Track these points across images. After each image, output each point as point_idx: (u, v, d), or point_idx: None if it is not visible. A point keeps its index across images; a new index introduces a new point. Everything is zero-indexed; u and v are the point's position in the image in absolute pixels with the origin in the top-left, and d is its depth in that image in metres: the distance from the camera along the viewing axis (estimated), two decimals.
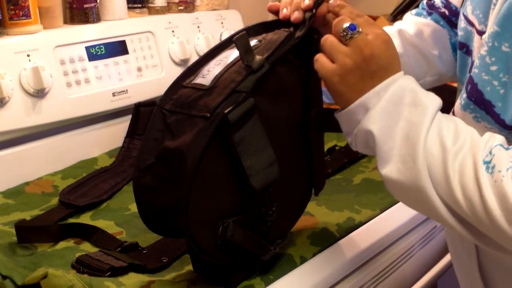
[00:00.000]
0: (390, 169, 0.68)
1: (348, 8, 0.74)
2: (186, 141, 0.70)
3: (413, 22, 0.98)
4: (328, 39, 0.71)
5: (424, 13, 0.98)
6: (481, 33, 0.75)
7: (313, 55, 0.73)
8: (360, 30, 0.69)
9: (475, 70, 0.71)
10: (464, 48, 0.82)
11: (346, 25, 0.69)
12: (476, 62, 0.71)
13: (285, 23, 0.78)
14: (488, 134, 0.66)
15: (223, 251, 0.74)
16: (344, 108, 0.71)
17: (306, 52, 0.78)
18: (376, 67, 0.69)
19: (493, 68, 0.69)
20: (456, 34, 0.92)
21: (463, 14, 0.81)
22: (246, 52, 0.71)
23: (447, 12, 0.96)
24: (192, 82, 0.74)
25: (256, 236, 0.77)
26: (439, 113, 0.68)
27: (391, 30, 0.96)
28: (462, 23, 0.82)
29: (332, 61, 0.70)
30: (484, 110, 0.71)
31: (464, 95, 0.72)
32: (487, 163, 0.63)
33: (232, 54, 0.75)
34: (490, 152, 0.64)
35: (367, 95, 0.68)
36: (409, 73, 0.90)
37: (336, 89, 0.71)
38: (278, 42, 0.75)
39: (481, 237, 0.66)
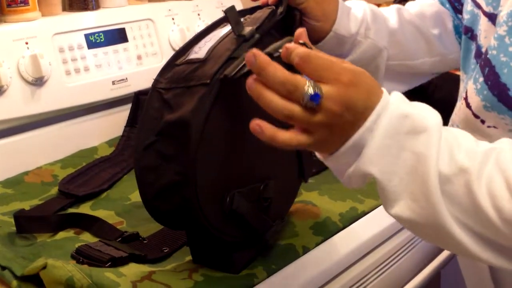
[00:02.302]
0: (400, 209, 0.60)
1: (311, 64, 0.58)
2: (188, 110, 0.69)
3: (418, 3, 0.97)
4: (291, 112, 0.57)
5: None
6: (488, 14, 0.73)
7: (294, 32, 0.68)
8: (321, 91, 0.57)
9: (493, 52, 0.67)
10: (469, 33, 0.79)
11: (307, 96, 0.56)
12: (493, 43, 0.68)
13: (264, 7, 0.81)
14: (509, 142, 0.60)
15: (230, 225, 0.75)
16: (331, 154, 0.61)
17: (287, 29, 0.79)
18: (354, 113, 0.58)
19: None
20: (459, 19, 0.92)
21: None
22: (236, 23, 0.71)
23: None
24: (185, 59, 0.74)
25: (259, 211, 0.78)
26: (443, 131, 0.59)
27: (391, 7, 0.95)
28: (468, 5, 0.79)
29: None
30: (496, 96, 0.67)
31: (481, 79, 0.69)
32: None
33: (221, 32, 0.76)
34: None
35: (357, 134, 0.58)
36: (405, 50, 0.93)
37: (315, 150, 0.63)
38: (263, 18, 0.76)
39: None
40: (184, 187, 0.70)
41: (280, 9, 0.80)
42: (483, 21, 0.75)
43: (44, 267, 0.73)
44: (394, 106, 0.59)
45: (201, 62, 0.71)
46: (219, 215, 0.73)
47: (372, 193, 0.98)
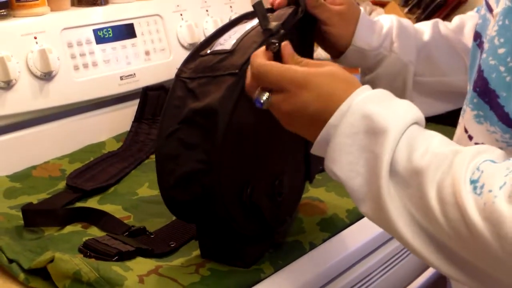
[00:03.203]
0: (365, 209, 0.60)
1: (262, 79, 0.64)
2: (215, 98, 0.70)
3: (461, 16, 0.93)
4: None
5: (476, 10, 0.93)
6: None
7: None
8: (266, 98, 0.63)
9: (483, 55, 0.63)
10: (478, 39, 0.73)
11: (254, 98, 0.64)
12: (486, 45, 0.63)
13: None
14: (475, 148, 0.56)
15: (247, 218, 0.76)
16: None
17: (305, 34, 0.82)
18: (307, 117, 0.61)
19: (501, 51, 0.60)
20: None
21: (485, 0, 0.73)
22: (264, 17, 0.72)
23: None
24: (211, 50, 0.75)
25: (273, 205, 0.79)
26: (413, 130, 0.58)
27: (428, 22, 0.92)
28: (482, 10, 0.74)
29: None
30: (488, 104, 0.62)
31: (469, 87, 0.66)
32: (474, 182, 0.52)
33: (246, 25, 0.77)
34: (478, 169, 0.53)
35: (324, 130, 0.60)
36: (438, 66, 0.89)
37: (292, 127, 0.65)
38: (287, 14, 0.77)
39: (475, 277, 0.55)
40: (206, 176, 0.70)
41: (301, 8, 0.81)
42: (491, 25, 0.69)
43: (52, 260, 0.73)
44: (357, 106, 0.59)
45: (228, 53, 0.72)
46: (238, 207, 0.74)
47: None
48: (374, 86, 0.63)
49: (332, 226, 0.89)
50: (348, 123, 0.59)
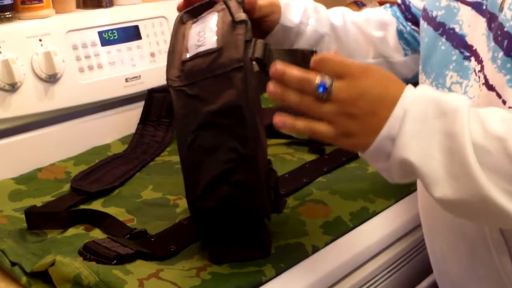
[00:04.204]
0: (443, 191, 0.60)
1: (324, 64, 0.63)
2: (232, 94, 0.71)
3: (365, 11, 1.05)
4: (303, 103, 0.63)
5: (388, 5, 1.06)
6: (472, 4, 0.77)
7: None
8: (330, 82, 0.62)
9: (510, 23, 0.67)
10: (440, 29, 0.82)
11: (315, 87, 0.62)
12: (509, 14, 0.68)
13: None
14: None
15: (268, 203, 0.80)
16: (366, 150, 0.64)
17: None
18: (369, 100, 0.61)
19: None
20: (406, 26, 1.00)
21: None
22: (235, 11, 0.75)
23: (403, 7, 1.02)
24: (194, 53, 0.74)
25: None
26: (472, 109, 0.61)
27: (336, 9, 1.01)
28: (442, 2, 0.82)
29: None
30: None
31: (500, 54, 0.69)
32: None
33: (206, 23, 0.78)
34: None
35: (387, 125, 0.61)
36: (347, 47, 0.99)
37: (347, 144, 0.65)
38: (235, 6, 0.79)
39: None
40: (239, 172, 0.72)
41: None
42: (465, 11, 0.78)
43: (53, 263, 0.73)
44: (420, 92, 0.62)
45: (217, 51, 0.73)
46: (267, 195, 0.78)
47: (383, 193, 0.98)
48: None
49: (335, 229, 0.88)
50: (417, 108, 0.60)
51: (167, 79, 0.75)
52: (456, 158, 0.59)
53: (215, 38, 0.74)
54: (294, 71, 0.63)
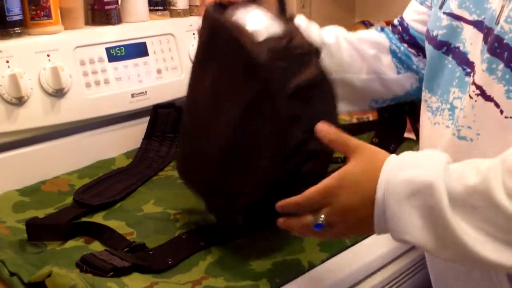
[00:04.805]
0: (441, 255, 0.66)
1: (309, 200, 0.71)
2: (313, 72, 0.76)
3: (361, 31, 1.09)
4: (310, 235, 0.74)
5: (379, 27, 1.09)
6: (473, 22, 0.79)
7: None
8: (322, 219, 0.70)
9: (510, 35, 0.70)
10: (443, 47, 0.84)
11: (314, 228, 0.70)
12: (507, 27, 0.70)
13: None
14: (508, 152, 0.63)
15: None
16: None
17: None
18: (354, 209, 0.68)
19: None
20: (400, 47, 1.03)
21: (445, 12, 0.84)
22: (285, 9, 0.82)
23: (400, 28, 1.04)
24: (266, 37, 0.77)
25: None
26: (452, 167, 0.64)
27: (329, 28, 1.04)
28: (443, 21, 0.84)
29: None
30: None
31: (501, 66, 0.71)
32: None
33: (256, 14, 0.81)
34: None
35: (375, 223, 0.68)
36: (341, 64, 1.03)
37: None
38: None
39: None
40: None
41: None
42: (467, 30, 0.80)
43: (49, 275, 0.74)
44: (391, 176, 0.66)
45: (289, 36, 0.77)
46: None
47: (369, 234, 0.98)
48: None
49: (332, 246, 0.89)
50: (391, 194, 0.65)
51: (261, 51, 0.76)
52: (440, 226, 0.63)
53: (277, 26, 0.78)
54: (294, 223, 0.73)
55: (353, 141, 0.71)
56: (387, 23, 1.72)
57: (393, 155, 0.69)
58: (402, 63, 1.03)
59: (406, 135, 1.24)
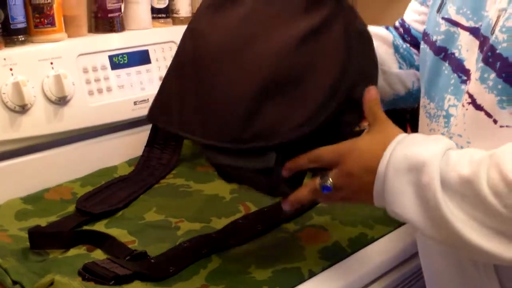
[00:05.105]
0: (428, 233, 0.69)
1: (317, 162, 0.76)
2: (362, 23, 0.79)
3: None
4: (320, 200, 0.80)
5: (384, 26, 1.07)
6: (470, 29, 0.79)
7: None
8: (329, 181, 0.74)
9: (503, 45, 0.70)
10: (441, 53, 0.84)
11: (321, 190, 0.75)
12: (501, 37, 0.71)
13: None
14: (506, 145, 0.67)
15: None
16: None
17: None
18: (359, 176, 0.73)
19: None
20: (402, 43, 1.03)
21: (443, 18, 0.84)
22: None
23: (401, 30, 1.04)
24: None
25: None
26: (450, 154, 0.68)
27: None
28: (442, 26, 0.84)
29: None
30: None
31: (492, 75, 0.72)
32: None
33: None
34: None
35: (374, 190, 0.72)
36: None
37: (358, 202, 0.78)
38: None
39: None
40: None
41: None
42: (464, 36, 0.80)
43: (52, 283, 0.75)
44: (396, 149, 0.71)
45: None
46: None
47: (383, 219, 0.98)
48: None
49: (333, 254, 0.89)
50: (392, 166, 0.70)
51: None
52: (432, 205, 0.67)
53: None
54: (303, 193, 0.77)
55: (382, 115, 0.76)
56: None
57: (405, 133, 0.73)
58: (404, 59, 1.02)
59: None
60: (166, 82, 0.83)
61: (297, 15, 0.75)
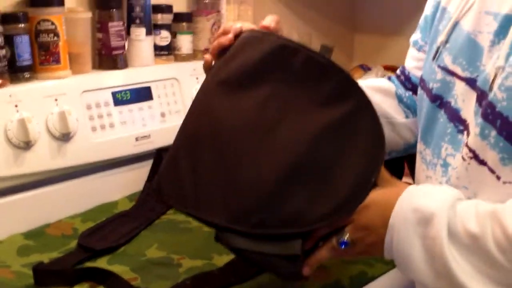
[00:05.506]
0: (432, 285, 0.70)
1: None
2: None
3: (368, 79, 1.11)
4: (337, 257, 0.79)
5: (387, 77, 1.11)
6: (465, 79, 0.80)
7: None
8: (346, 236, 0.75)
9: (502, 104, 0.71)
10: (437, 101, 0.86)
11: (340, 246, 0.76)
12: (500, 95, 0.72)
13: None
14: (508, 203, 0.69)
15: None
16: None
17: None
18: (376, 228, 0.74)
19: None
20: (404, 92, 1.05)
21: (439, 66, 0.86)
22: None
23: (402, 77, 1.06)
24: None
25: None
26: (459, 206, 0.70)
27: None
28: (438, 75, 0.86)
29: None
30: None
31: (493, 133, 0.73)
32: None
33: None
34: None
35: (385, 243, 0.74)
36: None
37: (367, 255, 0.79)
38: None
39: None
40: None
41: None
42: (460, 86, 0.81)
43: None
44: (405, 204, 0.73)
45: None
46: None
47: (382, 257, 0.99)
48: None
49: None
50: (401, 219, 0.71)
51: None
52: (437, 256, 0.68)
53: None
54: (322, 254, 0.77)
55: (386, 174, 0.78)
56: (385, 67, 1.76)
57: (414, 185, 0.76)
58: (409, 107, 1.04)
59: (404, 179, 1.26)
60: (175, 157, 0.82)
61: (323, 104, 0.76)
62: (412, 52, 1.05)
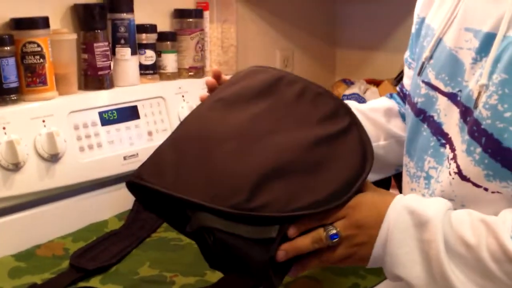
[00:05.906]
0: None
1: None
2: None
3: (372, 101, 1.13)
4: (322, 258, 0.77)
5: (388, 95, 1.13)
6: (448, 94, 0.82)
7: None
8: (338, 230, 0.75)
9: (487, 122, 0.72)
10: (421, 115, 0.88)
11: (329, 237, 0.75)
12: (485, 113, 0.73)
13: None
14: (500, 215, 0.71)
15: None
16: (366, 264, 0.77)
17: None
18: (367, 227, 0.75)
19: (507, 114, 0.71)
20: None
21: (423, 81, 0.88)
22: None
23: (402, 95, 1.09)
24: None
25: None
26: (452, 214, 0.72)
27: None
28: (422, 89, 0.88)
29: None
30: (499, 162, 0.72)
31: (478, 150, 0.74)
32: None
33: None
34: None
35: (376, 243, 0.74)
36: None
37: (351, 264, 0.79)
38: None
39: None
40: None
41: None
42: (442, 101, 0.83)
43: None
44: (401, 205, 0.74)
45: None
46: None
47: (374, 269, 1.00)
48: None
49: None
50: (398, 220, 0.73)
51: None
52: (433, 262, 0.70)
53: None
54: (304, 242, 0.75)
55: (374, 186, 0.80)
56: (367, 81, 1.79)
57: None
58: None
59: (391, 191, 1.28)
60: (160, 152, 0.83)
61: (318, 121, 0.81)
62: (405, 70, 1.07)
